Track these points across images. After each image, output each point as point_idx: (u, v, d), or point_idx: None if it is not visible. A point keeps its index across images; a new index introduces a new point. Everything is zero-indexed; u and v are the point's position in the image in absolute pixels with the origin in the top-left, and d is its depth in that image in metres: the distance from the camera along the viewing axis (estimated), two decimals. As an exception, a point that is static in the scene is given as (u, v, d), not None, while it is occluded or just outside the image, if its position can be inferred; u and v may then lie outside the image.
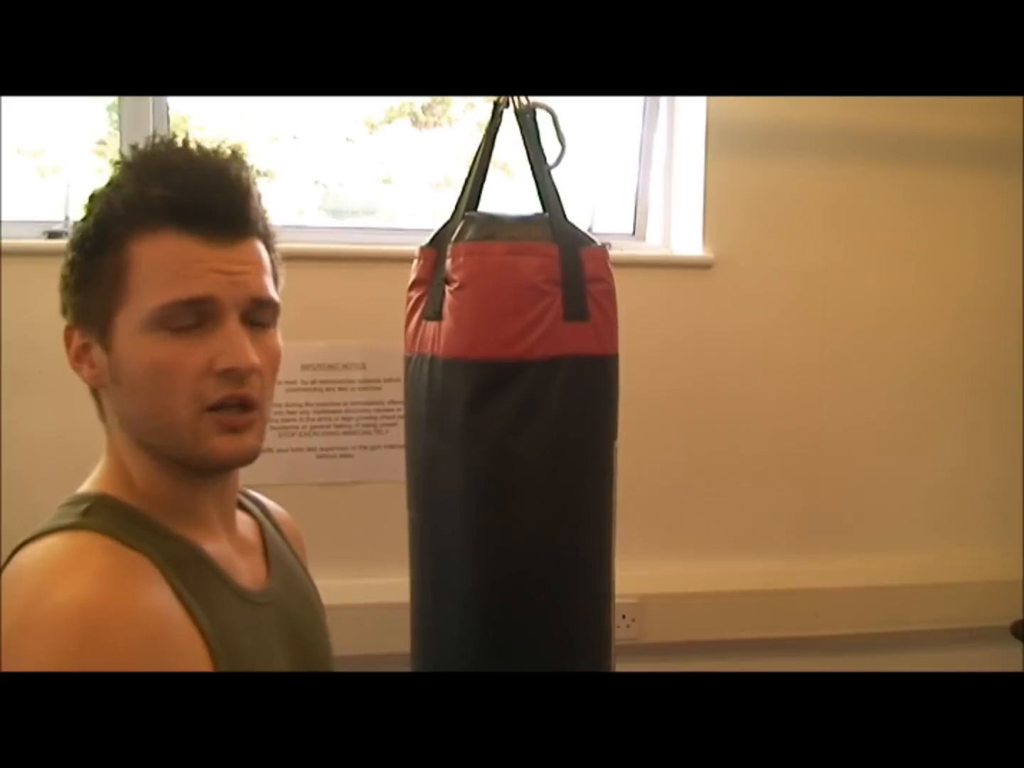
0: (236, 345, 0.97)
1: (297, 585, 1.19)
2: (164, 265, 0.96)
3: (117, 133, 2.04)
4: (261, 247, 1.03)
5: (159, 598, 0.92)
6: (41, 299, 1.88)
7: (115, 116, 2.04)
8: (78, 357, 1.02)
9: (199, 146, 1.00)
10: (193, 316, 0.96)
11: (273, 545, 1.18)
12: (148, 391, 0.97)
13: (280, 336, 1.05)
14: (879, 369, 2.30)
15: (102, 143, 2.12)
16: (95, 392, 1.04)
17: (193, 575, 0.98)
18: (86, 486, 1.02)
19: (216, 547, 1.05)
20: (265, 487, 1.98)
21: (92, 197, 1.01)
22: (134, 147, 1.01)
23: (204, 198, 0.97)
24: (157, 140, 1.01)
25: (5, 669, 0.84)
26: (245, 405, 0.99)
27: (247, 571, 1.09)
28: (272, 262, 1.05)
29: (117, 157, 1.02)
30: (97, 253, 0.98)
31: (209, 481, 1.04)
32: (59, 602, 0.86)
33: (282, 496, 2.02)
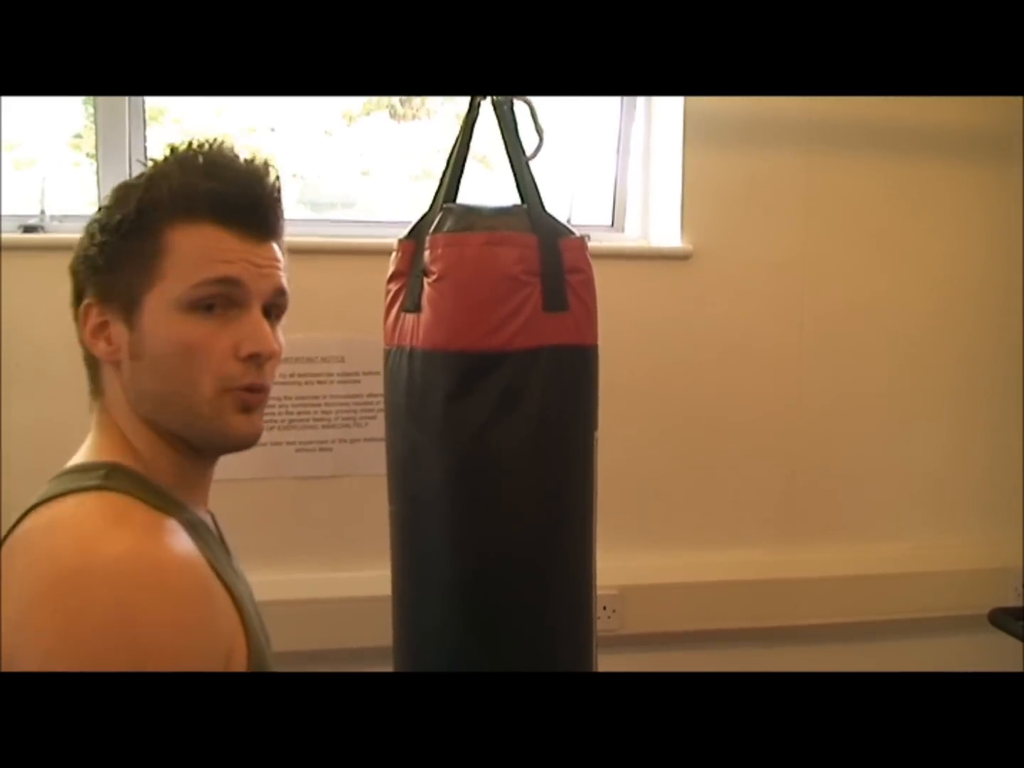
0: (261, 331, 1.05)
1: (240, 572, 1.23)
2: (200, 251, 1.03)
3: (93, 127, 2.03)
4: (279, 249, 1.12)
5: (198, 553, 0.98)
6: (18, 293, 1.90)
7: (91, 109, 2.03)
8: (94, 333, 1.06)
9: (238, 152, 1.08)
10: (220, 299, 1.04)
11: (223, 536, 1.24)
12: (173, 367, 1.03)
13: None
14: (858, 359, 2.31)
15: (78, 136, 2.11)
16: (96, 370, 1.09)
17: (206, 539, 1.06)
18: (88, 456, 1.06)
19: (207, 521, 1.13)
20: (244, 481, 1.99)
21: (125, 186, 1.07)
22: (176, 146, 1.08)
23: (245, 197, 1.06)
24: (201, 142, 1.07)
25: (55, 617, 0.87)
26: (258, 388, 1.07)
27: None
28: (286, 264, 1.13)
29: (164, 154, 1.08)
30: (134, 236, 1.03)
31: (202, 464, 1.12)
32: (116, 551, 0.90)
33: (261, 490, 2.04)
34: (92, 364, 1.10)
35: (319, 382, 2.05)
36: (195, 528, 1.03)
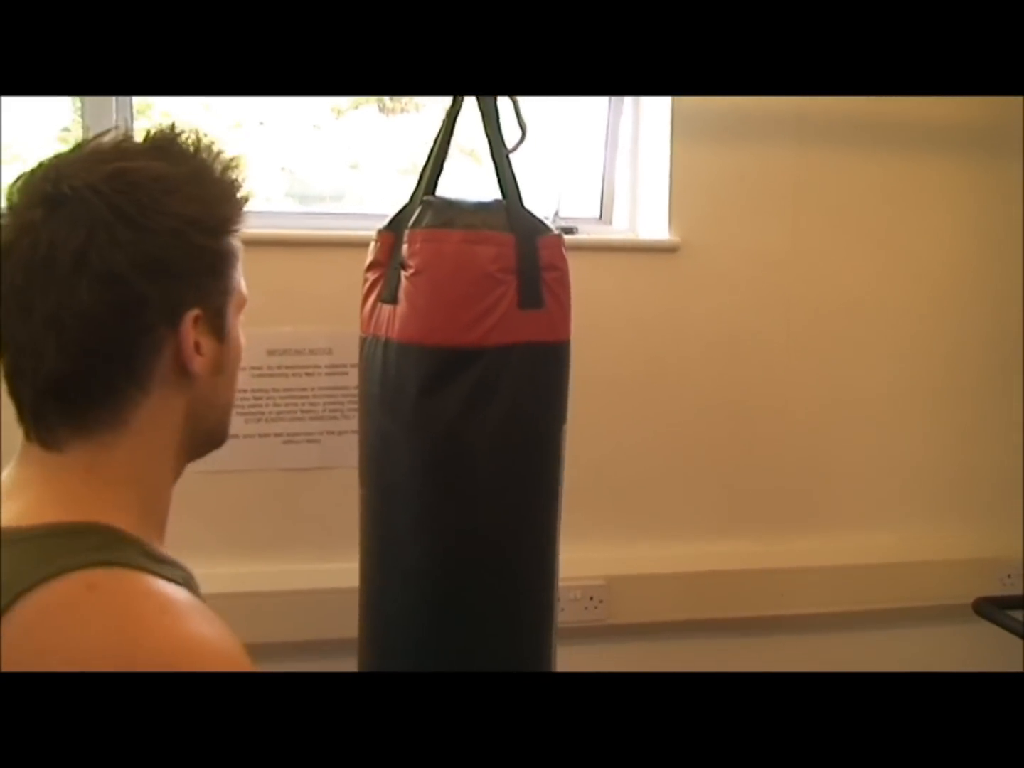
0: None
1: None
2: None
3: (80, 121, 2.04)
4: None
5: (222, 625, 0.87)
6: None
7: (78, 104, 2.04)
8: (197, 348, 0.95)
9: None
10: None
11: None
12: (237, 376, 1.03)
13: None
14: (844, 352, 2.32)
15: (66, 130, 2.12)
16: (126, 398, 0.92)
17: (189, 584, 0.94)
18: (54, 515, 0.88)
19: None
20: (231, 473, 2.01)
21: (206, 180, 0.96)
22: (197, 135, 0.98)
23: (245, 197, 1.01)
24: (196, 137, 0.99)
25: None
26: None
27: None
28: None
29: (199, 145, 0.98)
30: (227, 241, 0.97)
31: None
32: (179, 646, 0.80)
33: (248, 482, 2.05)
34: (118, 389, 0.92)
35: (307, 374, 2.06)
36: (185, 583, 0.92)
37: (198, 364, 0.94)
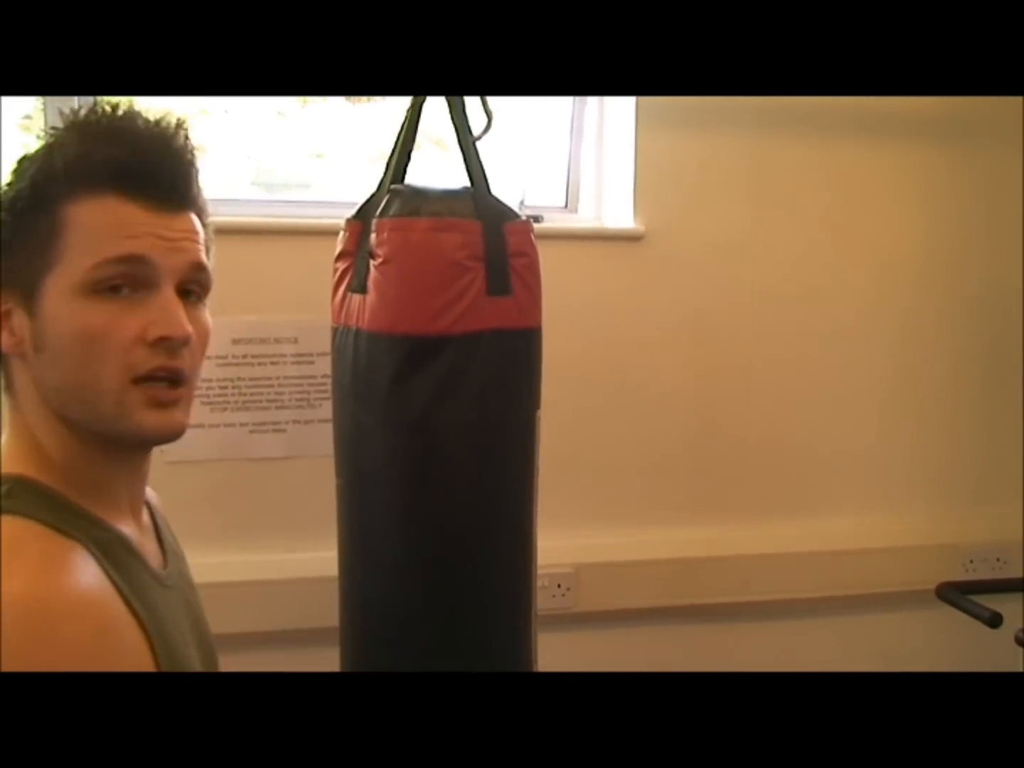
0: (171, 314, 0.95)
1: (184, 568, 1.16)
2: (101, 227, 0.94)
3: (42, 107, 2.01)
4: (198, 221, 1.02)
5: (100, 587, 0.89)
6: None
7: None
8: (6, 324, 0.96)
9: (144, 115, 0.99)
10: (126, 279, 0.94)
11: (164, 527, 1.15)
12: (75, 359, 0.94)
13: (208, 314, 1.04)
14: (807, 338, 2.34)
15: (27, 118, 2.10)
16: (5, 363, 0.99)
17: (120, 559, 0.95)
18: None
19: (128, 529, 1.02)
20: (198, 463, 2.00)
21: (24, 159, 0.98)
22: (75, 111, 0.99)
23: (151, 164, 0.96)
24: (101, 106, 0.98)
25: None
26: (175, 379, 0.97)
27: (151, 554, 1.06)
28: (206, 238, 1.03)
29: (54, 123, 0.99)
30: (29, 214, 0.94)
31: (126, 459, 1.02)
32: (7, 593, 0.81)
33: (215, 472, 2.04)
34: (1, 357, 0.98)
35: (272, 363, 2.05)
36: (106, 548, 0.93)
37: (4, 340, 0.96)
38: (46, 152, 0.97)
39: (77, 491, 0.96)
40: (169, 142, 0.99)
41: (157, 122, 0.99)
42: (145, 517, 1.10)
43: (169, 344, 0.95)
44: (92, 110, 0.98)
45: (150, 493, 1.15)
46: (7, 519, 0.88)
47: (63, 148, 0.96)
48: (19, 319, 0.95)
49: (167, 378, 0.97)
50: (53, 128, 0.99)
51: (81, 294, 0.93)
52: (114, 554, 0.94)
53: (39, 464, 0.96)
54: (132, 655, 0.90)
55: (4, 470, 0.95)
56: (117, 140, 0.96)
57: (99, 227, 0.94)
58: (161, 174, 0.97)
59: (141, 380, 0.95)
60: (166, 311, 0.95)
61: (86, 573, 0.88)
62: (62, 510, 0.93)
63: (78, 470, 0.97)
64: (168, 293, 0.96)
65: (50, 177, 0.95)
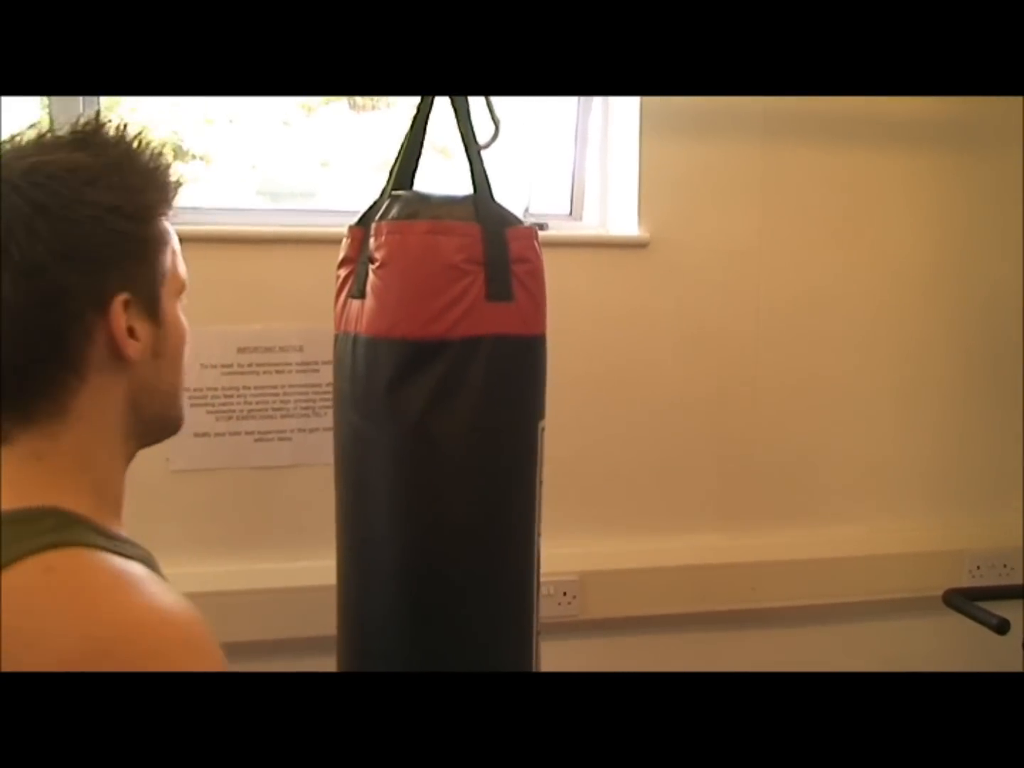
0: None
1: None
2: (174, 242, 1.04)
3: (48, 115, 2.02)
4: None
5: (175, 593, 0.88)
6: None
7: (45, 99, 2.02)
8: (130, 332, 0.96)
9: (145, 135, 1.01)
10: None
11: None
12: (182, 360, 1.05)
13: None
14: (813, 346, 2.33)
15: (33, 127, 2.10)
16: (64, 384, 0.93)
17: (150, 563, 0.95)
18: (8, 503, 0.89)
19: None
20: (203, 471, 2.00)
21: (115, 166, 0.96)
22: (118, 126, 0.99)
23: (176, 184, 1.03)
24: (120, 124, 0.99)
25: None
26: None
27: None
28: None
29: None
30: (151, 226, 0.99)
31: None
32: (135, 618, 0.81)
33: (221, 480, 2.04)
34: (55, 378, 0.93)
35: (277, 371, 2.05)
36: (144, 560, 0.93)
37: (132, 348, 0.96)
38: (135, 164, 0.98)
39: (102, 513, 0.95)
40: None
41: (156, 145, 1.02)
42: None
43: None
44: (124, 125, 0.99)
45: None
46: (71, 552, 0.86)
47: (141, 163, 0.99)
48: (143, 326, 0.97)
49: None
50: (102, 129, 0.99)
51: (178, 302, 1.04)
52: (150, 563, 0.95)
53: (74, 492, 0.93)
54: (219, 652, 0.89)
55: (33, 502, 0.90)
56: (162, 162, 1.01)
57: (174, 243, 1.04)
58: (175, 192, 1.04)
59: None
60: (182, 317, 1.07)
61: (167, 585, 0.89)
62: (101, 536, 0.91)
63: (108, 486, 0.99)
64: None
65: (150, 190, 0.99)
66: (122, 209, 0.94)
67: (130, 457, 1.03)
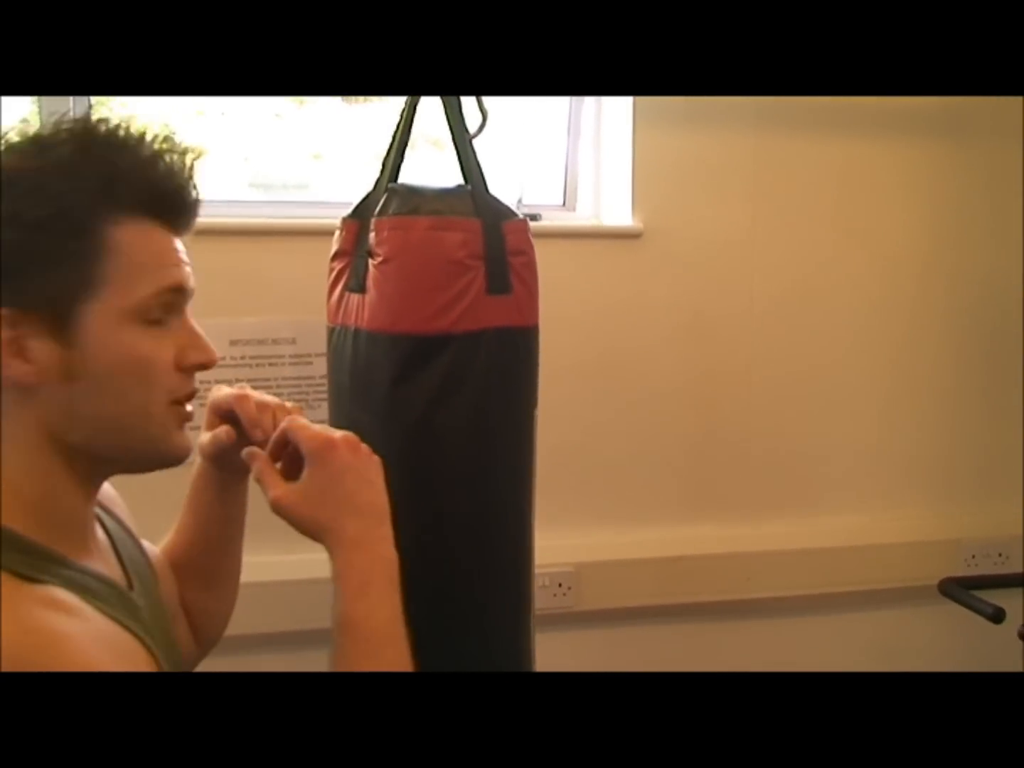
0: (202, 340, 1.00)
1: (143, 573, 1.12)
2: (148, 254, 0.94)
3: (38, 110, 2.01)
4: None
5: (75, 628, 0.86)
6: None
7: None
8: (7, 350, 0.89)
9: (150, 132, 0.96)
10: (170, 308, 0.96)
11: (119, 538, 1.11)
12: (126, 387, 0.93)
13: None
14: (807, 335, 2.33)
15: (24, 121, 2.09)
16: None
17: (92, 590, 0.93)
18: None
19: (96, 562, 1.00)
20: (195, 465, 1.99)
21: (37, 172, 0.90)
22: (84, 125, 0.95)
23: (180, 191, 0.98)
24: (106, 122, 0.95)
25: None
26: (191, 400, 1.01)
27: (116, 576, 1.04)
28: None
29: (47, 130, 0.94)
30: (63, 235, 0.90)
31: (98, 487, 1.02)
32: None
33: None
34: None
35: (270, 364, 2.04)
36: (77, 584, 0.91)
37: (14, 370, 0.90)
38: (71, 168, 0.91)
39: (49, 531, 0.93)
40: (184, 162, 0.98)
41: (166, 139, 0.97)
42: (100, 533, 1.07)
43: (203, 369, 1.00)
44: (98, 123, 0.95)
45: (107, 490, 1.12)
46: None
47: (95, 166, 0.92)
48: (41, 346, 0.90)
49: (190, 400, 1.01)
50: (39, 133, 0.94)
51: (131, 321, 0.93)
52: (86, 587, 0.93)
53: (13, 509, 0.91)
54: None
55: None
56: (146, 162, 0.95)
57: (146, 254, 0.94)
58: (186, 196, 0.98)
59: (176, 403, 0.99)
60: (196, 337, 0.99)
61: (57, 617, 0.85)
62: (29, 553, 0.89)
63: (51, 508, 0.95)
64: (189, 319, 1.00)
65: (82, 195, 0.91)
66: (20, 218, 0.88)
67: (95, 485, 1.00)
